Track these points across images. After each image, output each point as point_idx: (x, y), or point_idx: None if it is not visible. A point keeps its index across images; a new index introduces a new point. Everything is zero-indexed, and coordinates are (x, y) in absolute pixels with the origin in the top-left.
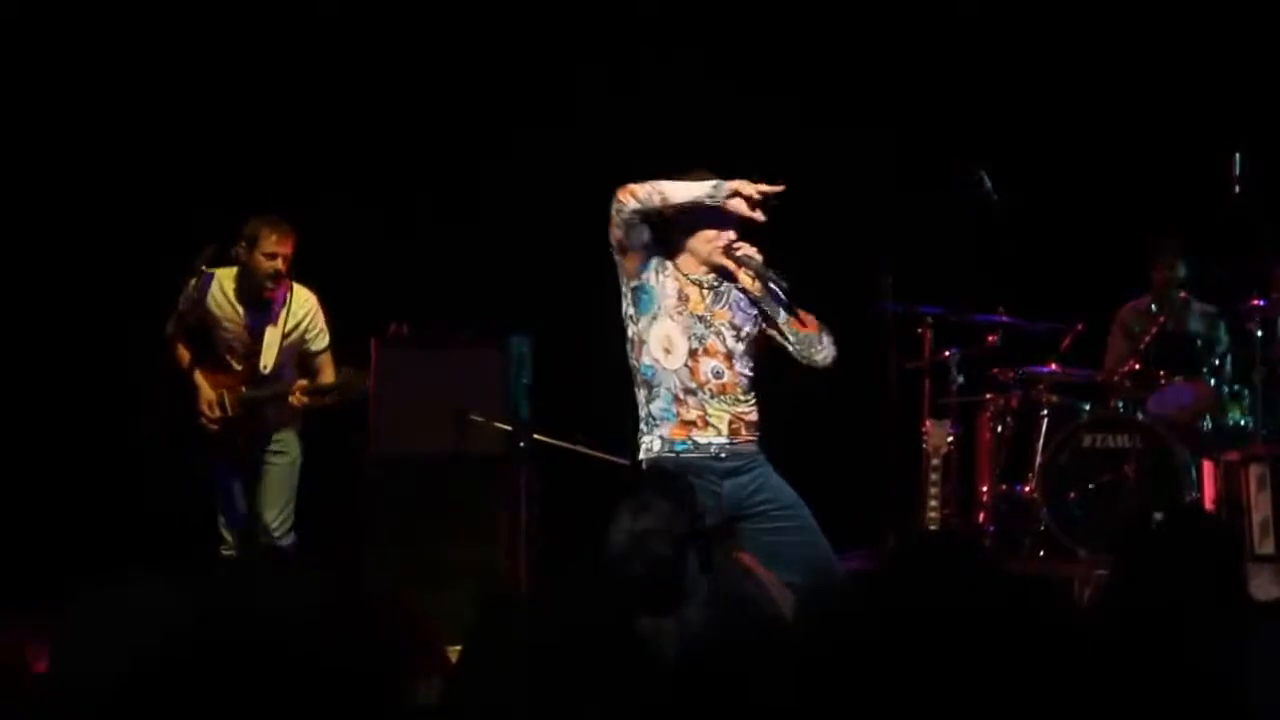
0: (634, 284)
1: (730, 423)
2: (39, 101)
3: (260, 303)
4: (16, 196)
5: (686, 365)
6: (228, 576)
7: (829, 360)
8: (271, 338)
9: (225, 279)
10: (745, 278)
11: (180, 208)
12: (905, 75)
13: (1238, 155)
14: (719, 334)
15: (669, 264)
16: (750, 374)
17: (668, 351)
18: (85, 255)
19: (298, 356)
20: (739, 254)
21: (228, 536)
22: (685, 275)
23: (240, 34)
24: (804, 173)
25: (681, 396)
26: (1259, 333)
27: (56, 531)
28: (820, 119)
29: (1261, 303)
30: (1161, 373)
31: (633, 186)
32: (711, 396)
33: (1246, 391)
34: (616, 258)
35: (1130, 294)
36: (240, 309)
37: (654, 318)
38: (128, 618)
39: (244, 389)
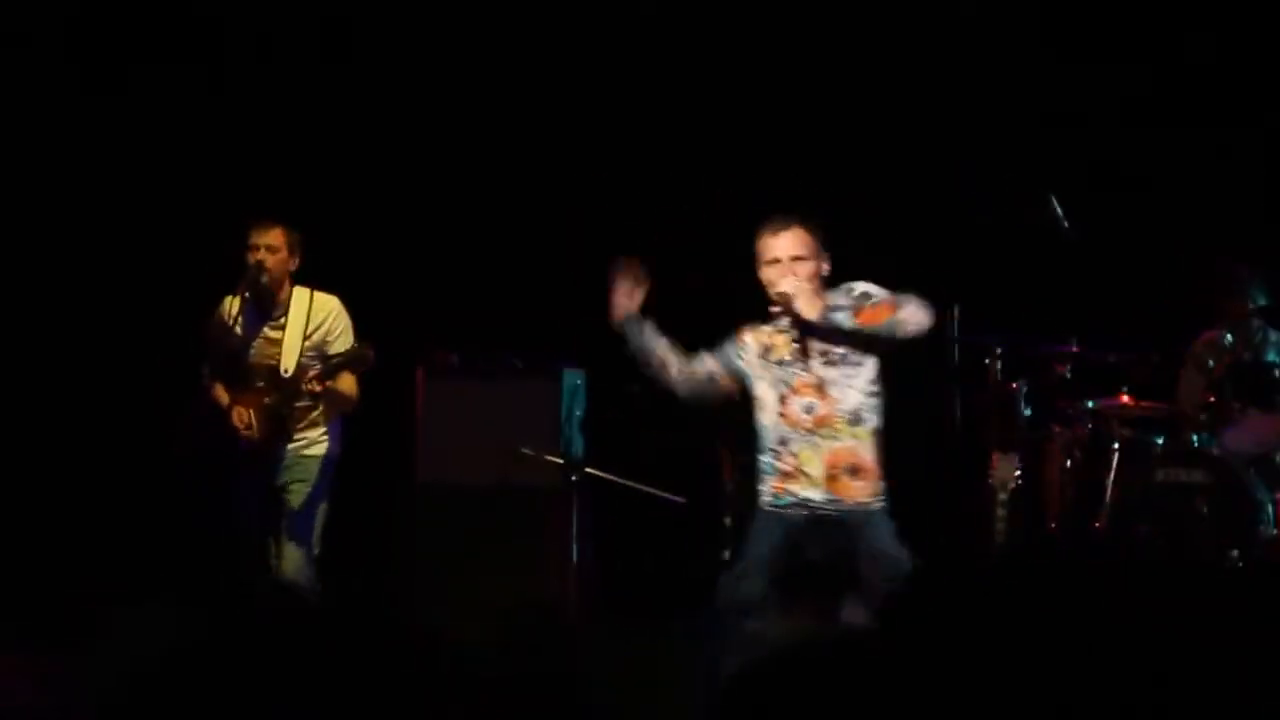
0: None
1: (828, 469)
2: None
3: (257, 304)
4: (56, 215)
5: (779, 413)
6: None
7: (922, 322)
8: (291, 341)
9: (228, 297)
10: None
11: (221, 230)
12: (975, 100)
13: None
14: (805, 368)
15: (746, 328)
16: (858, 401)
17: (762, 409)
18: (129, 272)
19: (321, 363)
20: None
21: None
22: (772, 324)
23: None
24: (870, 198)
25: (777, 448)
26: None
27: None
28: (889, 143)
29: None
30: (1237, 405)
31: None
32: (806, 435)
33: None
34: None
35: (1205, 325)
36: (236, 309)
37: (751, 378)
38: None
39: (267, 400)
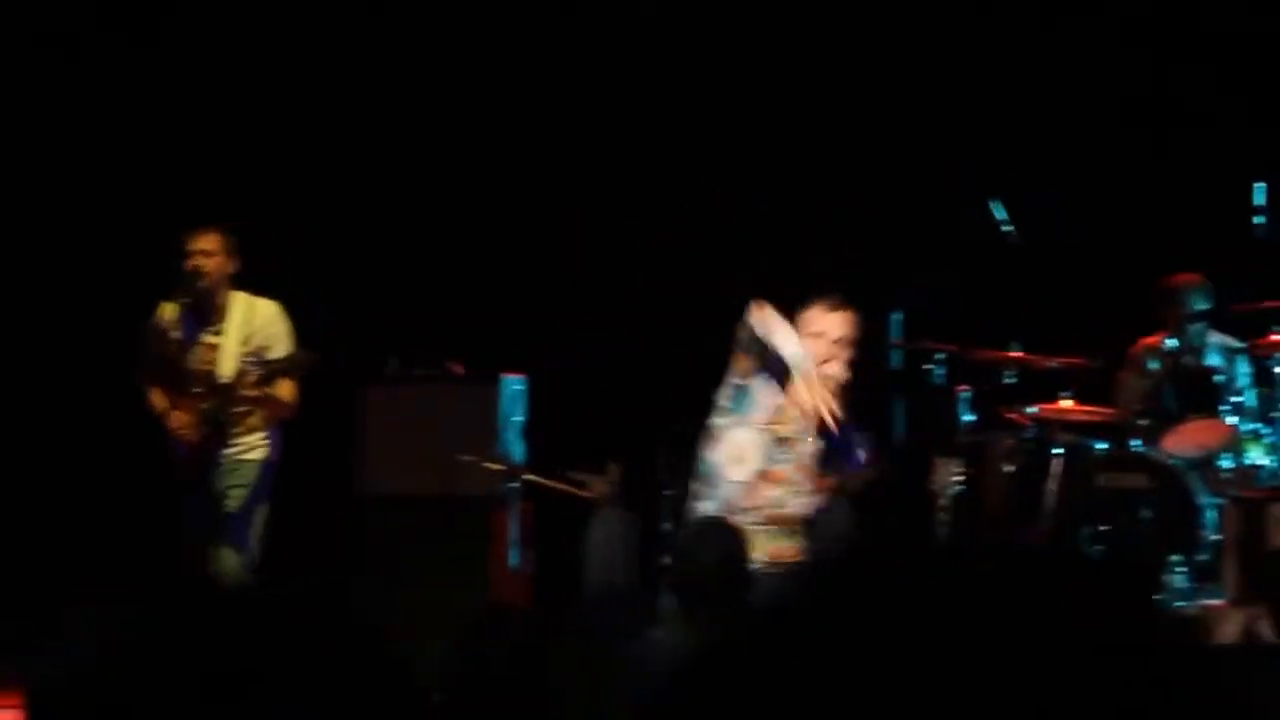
0: (740, 383)
1: (772, 554)
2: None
3: (195, 310)
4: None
5: (747, 483)
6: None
7: None
8: (229, 346)
9: (165, 303)
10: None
11: (160, 235)
12: (918, 107)
13: (1258, 185)
14: (798, 466)
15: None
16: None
17: (738, 461)
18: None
19: (263, 373)
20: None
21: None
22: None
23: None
24: (816, 205)
25: (731, 511)
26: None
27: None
28: (833, 150)
29: None
30: (1179, 410)
31: (763, 309)
32: (762, 525)
33: (1267, 430)
34: (736, 354)
35: (1146, 329)
36: (176, 317)
37: (741, 422)
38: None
39: (205, 406)
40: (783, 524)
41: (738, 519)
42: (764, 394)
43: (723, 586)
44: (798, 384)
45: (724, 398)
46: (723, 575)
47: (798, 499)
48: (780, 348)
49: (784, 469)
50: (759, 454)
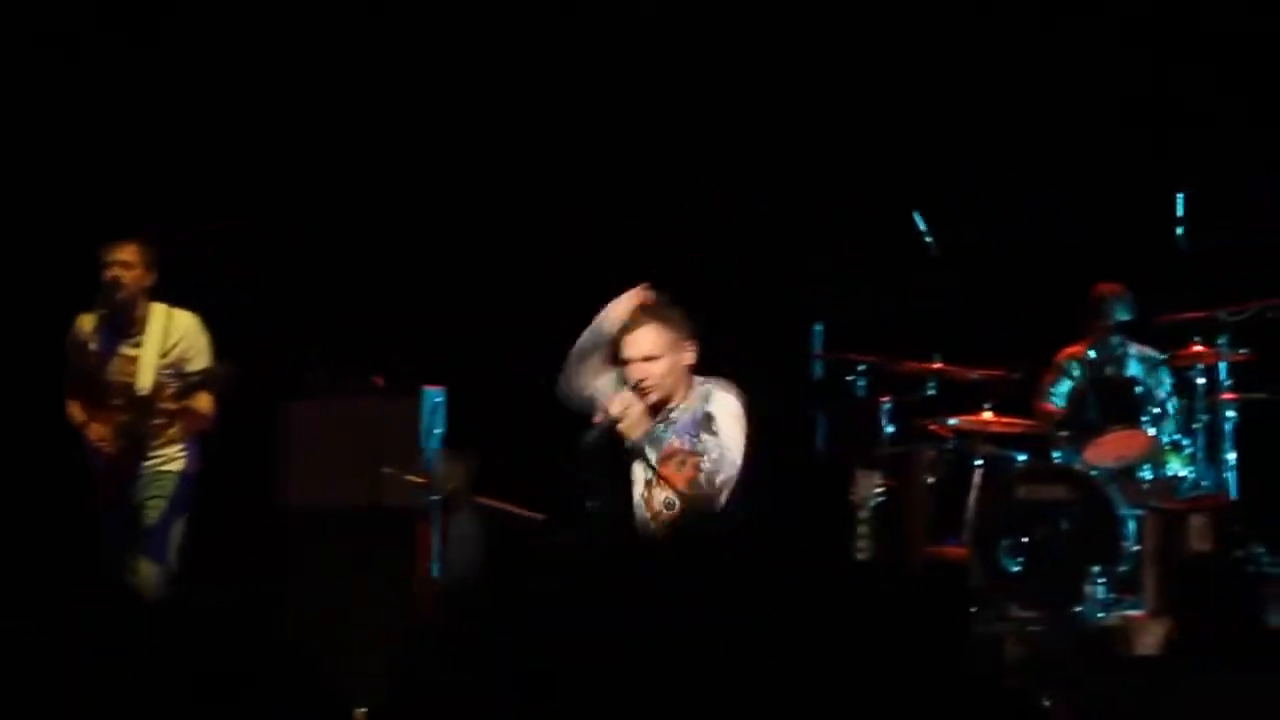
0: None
1: None
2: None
3: (113, 321)
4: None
5: (643, 498)
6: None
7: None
8: (148, 359)
9: (84, 315)
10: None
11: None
12: (841, 116)
13: (1179, 195)
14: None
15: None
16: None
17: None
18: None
19: (181, 385)
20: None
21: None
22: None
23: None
24: (735, 215)
25: (640, 531)
26: (1200, 380)
27: None
28: (754, 162)
29: (1205, 349)
30: (1100, 421)
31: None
32: (660, 527)
33: (1187, 441)
34: None
35: (1067, 340)
36: (94, 329)
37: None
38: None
39: (124, 418)
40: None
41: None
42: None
43: None
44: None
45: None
46: None
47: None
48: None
49: (656, 502)
50: (641, 470)
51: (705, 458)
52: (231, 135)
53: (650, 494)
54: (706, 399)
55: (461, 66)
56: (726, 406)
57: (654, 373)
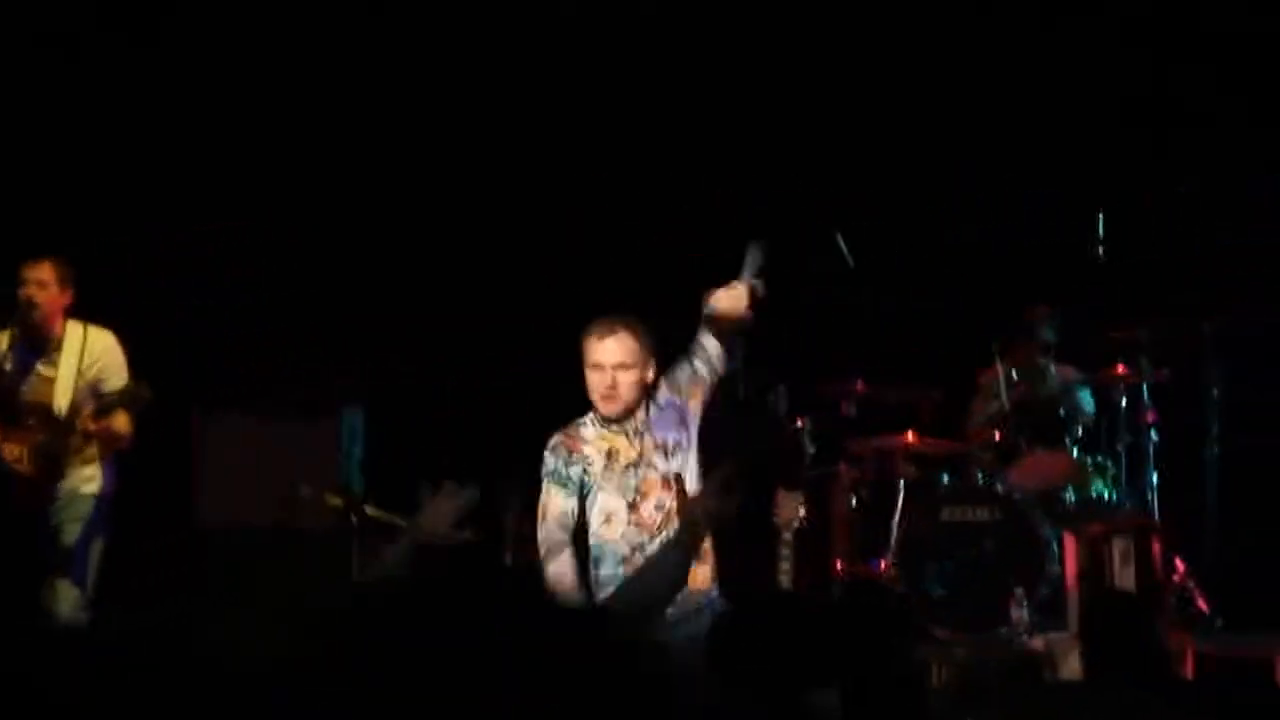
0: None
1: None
2: None
3: (28, 340)
4: None
5: (631, 523)
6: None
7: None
8: (65, 379)
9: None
10: None
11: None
12: (757, 137)
13: (1101, 215)
14: (651, 465)
15: (585, 430)
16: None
17: (608, 521)
18: None
19: (95, 400)
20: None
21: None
22: (605, 427)
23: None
24: (654, 233)
25: (630, 555)
26: (1123, 401)
27: None
28: (674, 181)
29: (1126, 369)
30: (1023, 442)
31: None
32: (655, 536)
33: (1110, 462)
34: None
35: (989, 359)
36: (9, 348)
37: (589, 498)
38: None
39: (40, 438)
40: (674, 519)
41: (637, 556)
42: (588, 463)
43: None
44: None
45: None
46: None
47: (672, 486)
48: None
49: (648, 478)
50: (620, 499)
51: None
52: (149, 149)
53: (639, 510)
54: (671, 384)
55: (384, 99)
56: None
57: (624, 382)
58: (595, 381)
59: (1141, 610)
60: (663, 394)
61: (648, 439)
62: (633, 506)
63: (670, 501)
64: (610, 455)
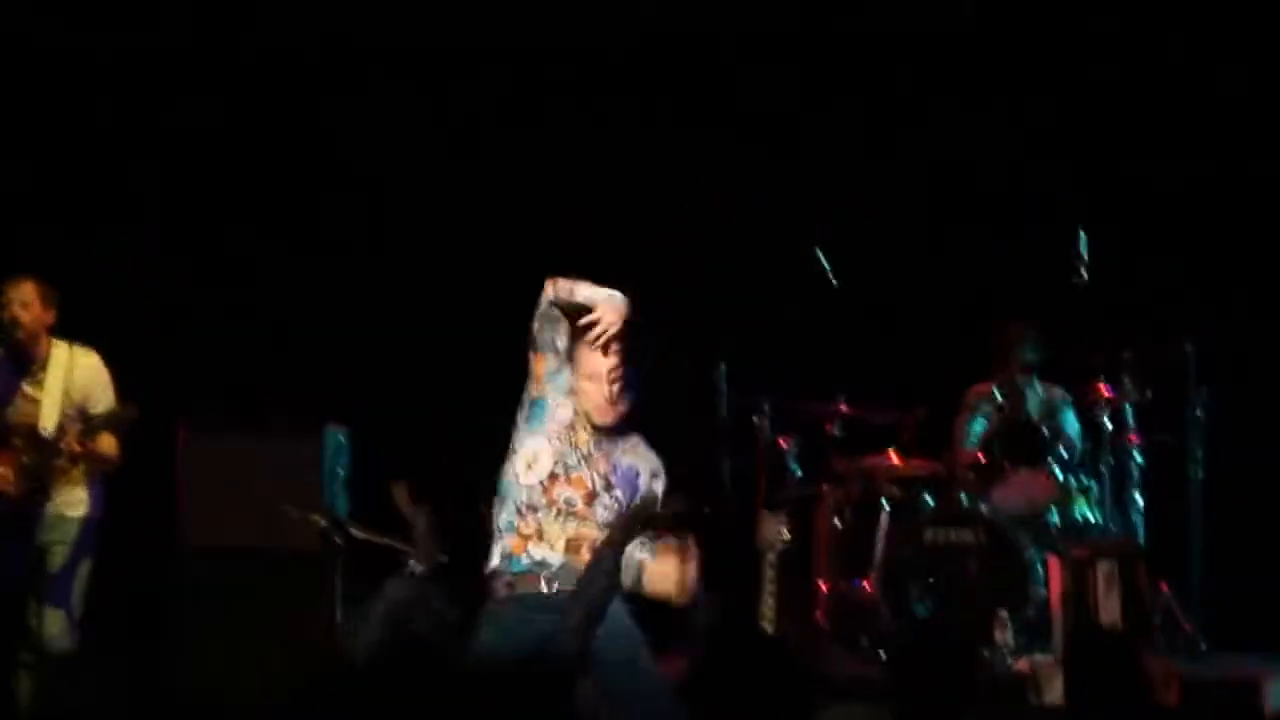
0: (534, 396)
1: (569, 541)
2: None
3: (13, 360)
4: None
5: (541, 484)
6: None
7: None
8: (51, 399)
9: None
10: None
11: None
12: (749, 155)
13: (1082, 233)
14: (593, 477)
15: (572, 397)
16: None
17: (529, 467)
18: None
19: (81, 421)
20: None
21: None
22: (584, 414)
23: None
24: (637, 252)
25: (523, 512)
26: (1107, 421)
27: None
28: (658, 198)
29: (1109, 390)
30: (1006, 463)
31: (559, 279)
32: (556, 515)
33: (1094, 484)
34: (530, 356)
35: (974, 378)
36: None
37: (533, 433)
38: None
39: (25, 460)
40: (578, 517)
41: (530, 516)
42: (558, 407)
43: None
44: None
45: (520, 416)
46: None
47: (594, 505)
48: (589, 294)
49: (580, 474)
50: (551, 459)
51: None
52: (124, 161)
53: (553, 485)
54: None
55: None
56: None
57: (618, 386)
58: (609, 372)
59: (1125, 643)
60: (642, 459)
61: (606, 463)
62: (553, 477)
63: (581, 506)
64: (570, 427)
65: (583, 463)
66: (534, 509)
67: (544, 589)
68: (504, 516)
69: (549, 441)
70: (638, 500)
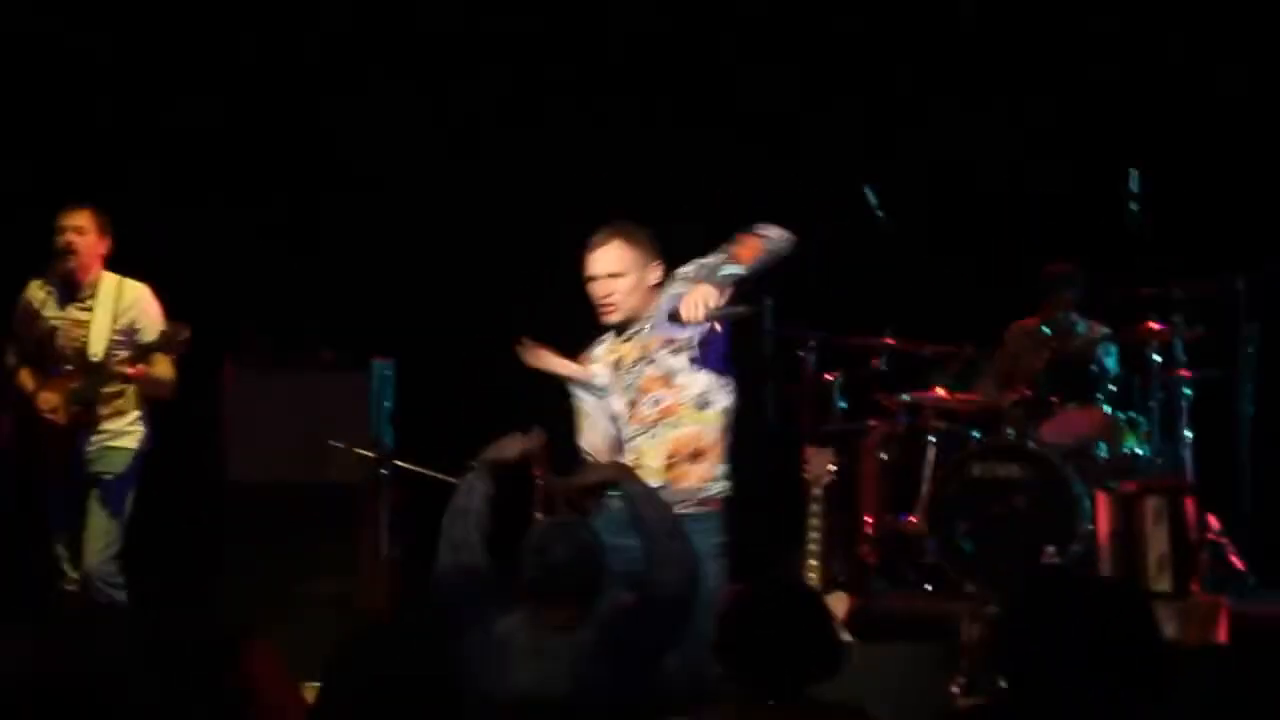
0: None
1: (667, 458)
2: None
3: (65, 288)
4: None
5: (627, 418)
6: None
7: (786, 235)
8: (99, 324)
9: (35, 280)
10: None
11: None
12: (792, 90)
13: (1133, 172)
14: (652, 362)
15: (596, 350)
16: (705, 382)
17: (615, 420)
18: None
19: (132, 349)
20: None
21: (70, 572)
22: (616, 339)
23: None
24: (685, 186)
25: (623, 449)
26: (1156, 357)
27: None
28: (701, 136)
29: (1159, 326)
30: (1054, 399)
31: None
32: (647, 430)
33: (1143, 419)
34: None
35: (1018, 315)
36: (44, 294)
37: (592, 389)
38: None
39: (74, 385)
40: (672, 414)
41: (632, 443)
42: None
43: (576, 584)
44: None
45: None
46: (577, 572)
47: (673, 382)
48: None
49: (648, 374)
50: (622, 397)
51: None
52: (179, 97)
53: (637, 407)
54: (670, 297)
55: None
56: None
57: (618, 289)
58: (592, 293)
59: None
60: (678, 287)
61: (653, 336)
62: (632, 405)
63: (667, 397)
64: (617, 365)
65: (640, 366)
66: (630, 439)
67: None
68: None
69: (613, 394)
70: None
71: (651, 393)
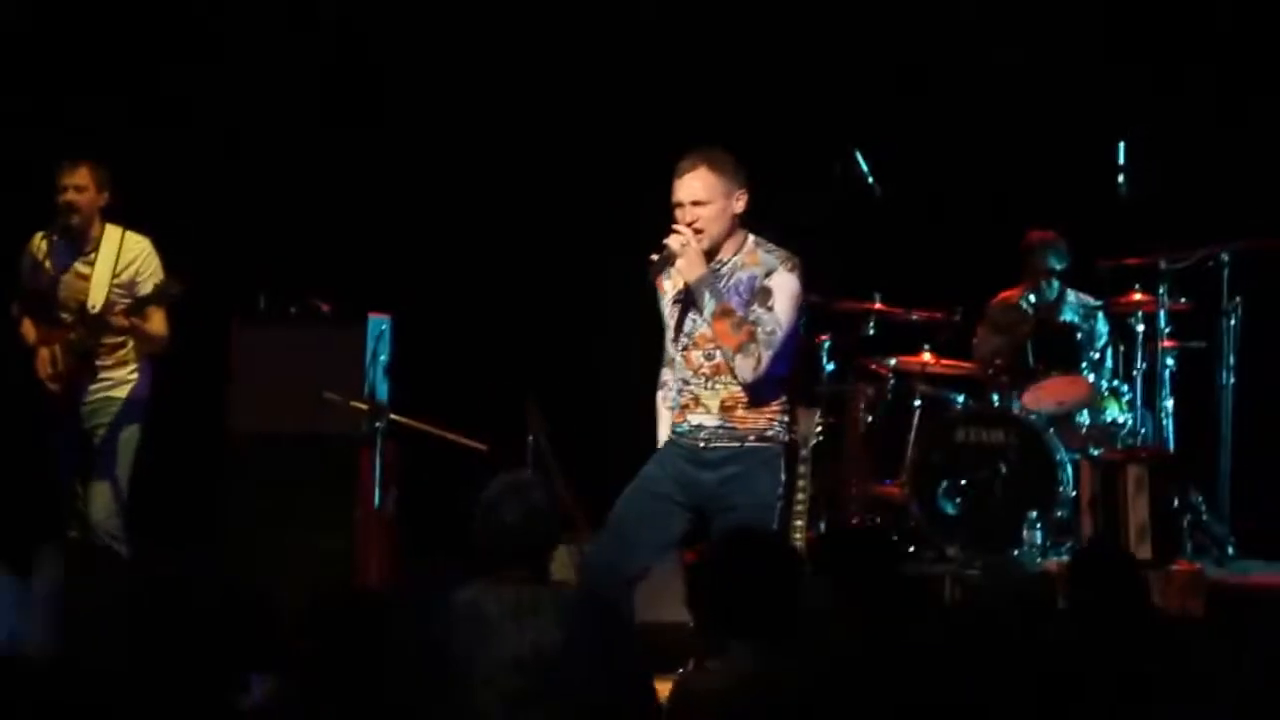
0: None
1: (724, 402)
2: None
3: (66, 241)
4: None
5: (682, 357)
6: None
7: (745, 378)
8: (100, 277)
9: (38, 234)
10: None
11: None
12: (779, 57)
13: (1121, 143)
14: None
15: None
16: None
17: (672, 342)
18: None
19: (132, 303)
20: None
21: (75, 522)
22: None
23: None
24: (674, 148)
25: (679, 384)
26: (1140, 327)
27: None
28: (696, 99)
29: (1144, 296)
30: (1039, 366)
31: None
32: (704, 381)
33: (1125, 388)
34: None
35: (1004, 284)
36: (46, 247)
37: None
38: None
39: (73, 336)
40: (721, 374)
41: (690, 386)
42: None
43: (528, 545)
44: (685, 267)
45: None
46: (526, 533)
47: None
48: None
49: (701, 331)
50: (681, 328)
51: (760, 329)
52: (180, 56)
53: (689, 354)
54: (769, 272)
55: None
56: (787, 287)
57: (703, 216)
58: (677, 219)
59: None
60: (761, 261)
61: (727, 294)
62: (685, 349)
63: (718, 355)
64: (675, 300)
65: (696, 326)
66: (686, 382)
67: (700, 446)
68: (673, 395)
69: (669, 325)
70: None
71: (703, 348)
